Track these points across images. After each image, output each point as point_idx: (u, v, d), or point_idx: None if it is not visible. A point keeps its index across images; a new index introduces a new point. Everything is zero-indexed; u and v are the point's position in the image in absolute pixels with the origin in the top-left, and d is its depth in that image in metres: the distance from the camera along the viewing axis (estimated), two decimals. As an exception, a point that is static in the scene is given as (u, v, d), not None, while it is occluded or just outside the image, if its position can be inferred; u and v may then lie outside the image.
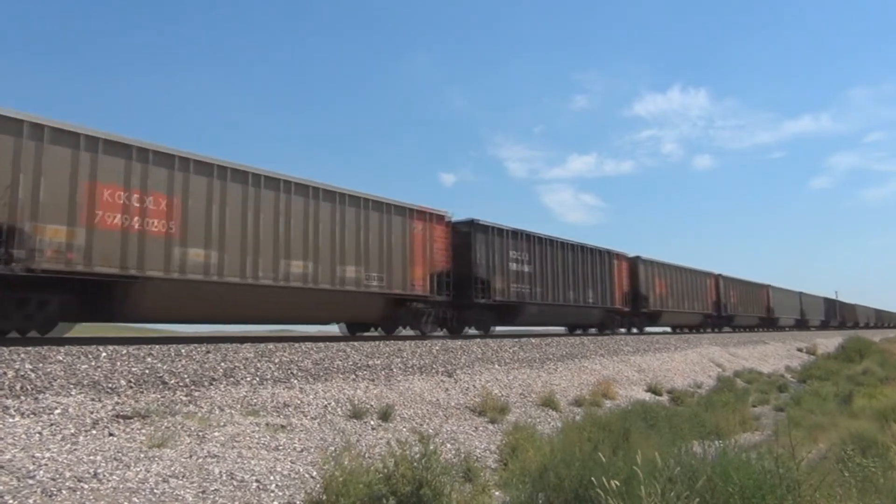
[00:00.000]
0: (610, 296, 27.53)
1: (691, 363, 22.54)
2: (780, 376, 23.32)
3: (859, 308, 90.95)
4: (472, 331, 21.41)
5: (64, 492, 5.24)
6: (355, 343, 13.54)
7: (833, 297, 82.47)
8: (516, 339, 18.44)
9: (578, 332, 28.91)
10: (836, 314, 73.40)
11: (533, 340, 18.68)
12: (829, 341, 41.63)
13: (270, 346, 11.83)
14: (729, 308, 41.07)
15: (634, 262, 30.51)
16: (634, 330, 31.45)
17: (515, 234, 21.95)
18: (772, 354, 31.15)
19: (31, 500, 5.03)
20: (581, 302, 25.23)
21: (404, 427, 9.33)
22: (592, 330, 29.70)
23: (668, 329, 38.46)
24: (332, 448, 7.49)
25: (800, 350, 35.66)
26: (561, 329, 31.97)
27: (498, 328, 23.00)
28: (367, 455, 6.98)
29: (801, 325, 59.21)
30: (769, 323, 50.28)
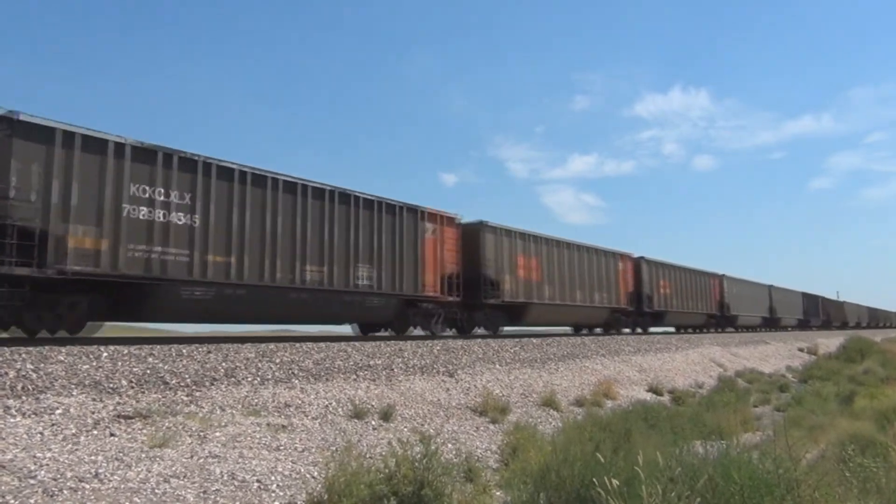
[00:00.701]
0: (413, 279, 17.59)
1: (692, 363, 22.54)
2: (782, 376, 23.31)
3: (848, 306, 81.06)
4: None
5: (65, 492, 5.25)
6: (356, 343, 13.55)
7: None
8: (517, 340, 18.45)
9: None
10: (820, 312, 64.16)
11: (534, 340, 18.68)
12: (830, 341, 41.62)
13: (271, 346, 11.84)
14: (657, 302, 31.46)
15: (476, 230, 20.42)
16: (480, 331, 21.39)
17: (146, 154, 11.95)
18: (773, 354, 31.15)
19: (32, 500, 5.03)
20: (335, 284, 15.34)
21: (405, 427, 9.33)
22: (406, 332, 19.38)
23: (568, 329, 28.97)
24: (334, 448, 7.50)
25: (801, 350, 35.69)
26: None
27: (109, 324, 13.74)
28: (368, 455, 6.99)
29: (771, 324, 49.91)
30: (724, 322, 40.96)
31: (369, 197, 16.69)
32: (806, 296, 59.96)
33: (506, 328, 22.96)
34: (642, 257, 31.00)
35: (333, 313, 16.47)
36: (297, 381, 10.04)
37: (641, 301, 30.35)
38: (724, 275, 40.68)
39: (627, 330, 30.24)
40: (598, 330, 29.21)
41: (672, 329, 37.40)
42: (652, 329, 33.17)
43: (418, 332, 19.06)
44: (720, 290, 39.97)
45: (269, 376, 9.95)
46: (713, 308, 38.68)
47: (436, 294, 18.52)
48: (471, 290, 19.88)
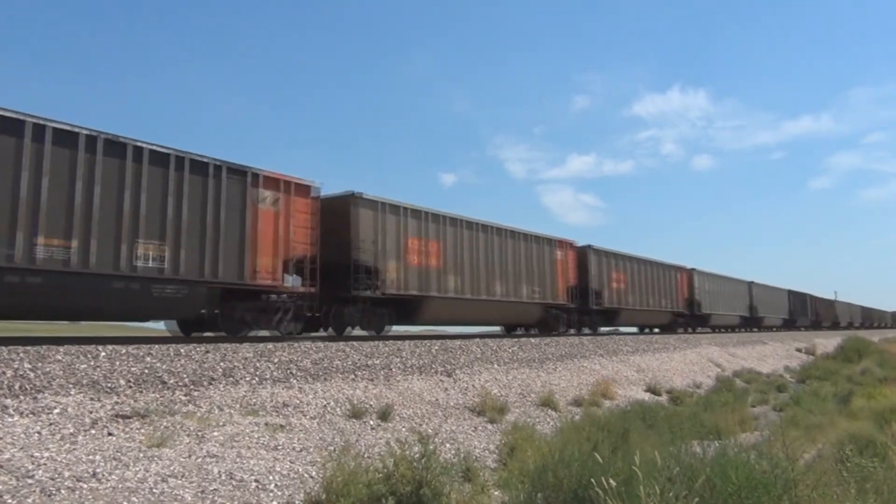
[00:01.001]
0: (237, 262, 13.45)
1: (690, 363, 22.57)
2: (780, 376, 23.36)
3: (840, 304, 76.20)
4: None
5: (63, 491, 5.24)
6: (354, 343, 13.55)
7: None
8: (515, 339, 18.45)
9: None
10: (809, 311, 60.18)
11: (532, 340, 18.69)
12: (828, 341, 41.72)
13: (269, 345, 11.84)
14: (608, 298, 27.34)
15: (344, 204, 16.13)
16: (358, 331, 17.30)
17: None
18: (771, 354, 31.21)
19: (29, 500, 5.03)
20: (95, 264, 11.24)
21: (403, 427, 9.33)
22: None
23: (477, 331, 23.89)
24: (332, 448, 7.50)
25: (799, 350, 35.76)
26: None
27: None
28: (366, 455, 6.99)
29: (752, 324, 45.85)
30: (694, 321, 37.00)
31: (161, 150, 12.33)
32: (792, 293, 55.90)
33: (410, 328, 19.36)
34: (589, 246, 26.90)
35: (93, 305, 11.72)
36: (295, 381, 10.03)
37: (588, 297, 26.09)
38: (693, 269, 36.82)
39: (574, 331, 26.06)
40: (535, 331, 24.69)
41: (634, 329, 34.09)
42: (604, 329, 28.92)
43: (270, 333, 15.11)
44: (689, 285, 35.75)
45: (268, 376, 9.94)
46: (680, 305, 34.36)
47: (274, 282, 14.18)
48: (337, 278, 15.79)
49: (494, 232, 21.26)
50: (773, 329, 50.24)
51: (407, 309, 18.00)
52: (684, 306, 34.91)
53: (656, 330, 34.56)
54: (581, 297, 25.68)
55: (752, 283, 46.30)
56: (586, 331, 26.89)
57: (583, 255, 26.44)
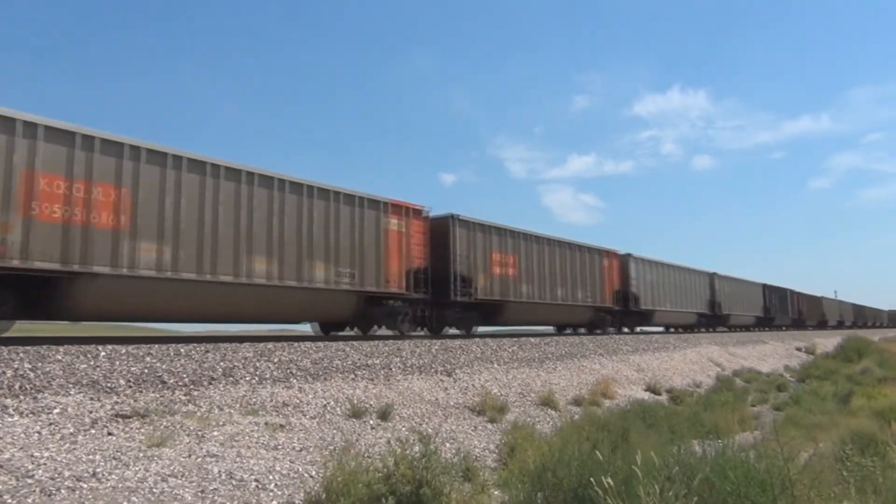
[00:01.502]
0: None
1: (690, 362, 22.58)
2: (780, 376, 23.38)
3: (828, 301, 68.96)
4: None
5: (63, 491, 5.24)
6: (355, 343, 13.55)
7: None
8: (516, 339, 18.45)
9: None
10: (790, 309, 54.02)
11: (532, 340, 18.69)
12: (828, 341, 41.74)
13: (269, 345, 11.84)
14: (486, 287, 20.02)
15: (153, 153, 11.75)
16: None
17: None
18: (771, 354, 31.22)
19: (29, 500, 5.03)
20: None
21: (403, 426, 9.34)
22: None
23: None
24: (332, 447, 7.51)
25: (799, 350, 35.79)
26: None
27: None
28: (366, 454, 6.99)
29: (715, 322, 39.81)
30: (631, 319, 30.61)
31: None
32: (769, 288, 49.18)
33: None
34: (452, 215, 19.28)
35: None
36: (295, 381, 10.04)
37: (451, 284, 18.71)
38: (629, 254, 29.67)
39: (459, 330, 20.04)
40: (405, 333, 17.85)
41: (550, 329, 27.84)
42: (483, 329, 21.71)
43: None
44: (621, 274, 28.72)
45: (268, 376, 9.95)
46: (608, 300, 27.22)
47: None
48: None
49: (252, 176, 13.82)
50: (750, 329, 45.15)
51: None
52: (614, 300, 27.83)
53: (581, 330, 27.64)
54: (441, 285, 18.56)
55: (715, 274, 39.75)
56: (452, 330, 20.02)
57: (441, 227, 19.04)
